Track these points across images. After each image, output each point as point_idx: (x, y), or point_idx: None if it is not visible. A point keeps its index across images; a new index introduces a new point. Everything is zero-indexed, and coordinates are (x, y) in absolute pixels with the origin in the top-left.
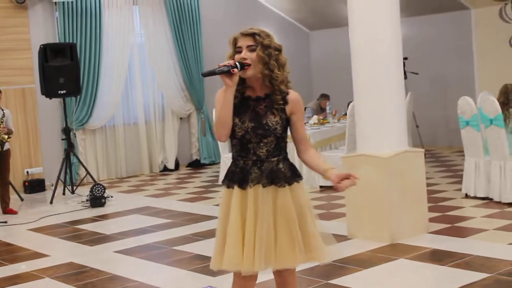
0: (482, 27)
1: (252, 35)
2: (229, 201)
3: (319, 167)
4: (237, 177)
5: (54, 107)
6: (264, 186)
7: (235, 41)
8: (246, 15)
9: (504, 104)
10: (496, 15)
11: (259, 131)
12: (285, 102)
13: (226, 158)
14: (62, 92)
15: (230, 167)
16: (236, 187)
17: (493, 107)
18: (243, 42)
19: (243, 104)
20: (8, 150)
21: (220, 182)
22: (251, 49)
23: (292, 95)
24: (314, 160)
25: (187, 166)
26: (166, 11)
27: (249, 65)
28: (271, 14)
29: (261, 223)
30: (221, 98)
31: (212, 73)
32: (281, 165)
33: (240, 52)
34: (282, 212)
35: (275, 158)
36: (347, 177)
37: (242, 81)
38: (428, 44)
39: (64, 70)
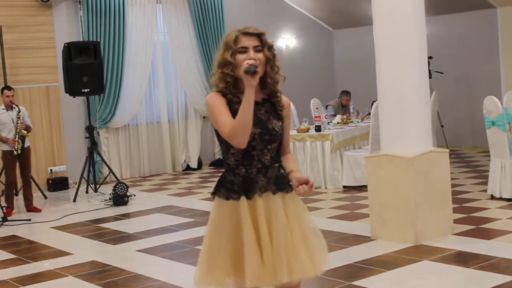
0: (509, 26)
1: (258, 35)
2: (230, 214)
3: (286, 168)
4: (240, 187)
5: (78, 105)
6: (274, 193)
7: (236, 39)
8: (270, 13)
9: None
10: None
11: (266, 137)
12: (282, 106)
13: None
14: (85, 90)
15: (226, 177)
16: (243, 198)
17: None
18: (249, 42)
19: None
20: (28, 148)
21: None
22: (257, 49)
23: (285, 99)
24: (286, 162)
25: (210, 165)
26: (190, 9)
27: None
28: (294, 13)
29: (276, 233)
30: (218, 103)
31: (250, 71)
32: (282, 171)
33: (243, 52)
34: (295, 218)
35: (277, 164)
36: (305, 182)
37: (235, 85)
38: (454, 43)
39: (87, 69)
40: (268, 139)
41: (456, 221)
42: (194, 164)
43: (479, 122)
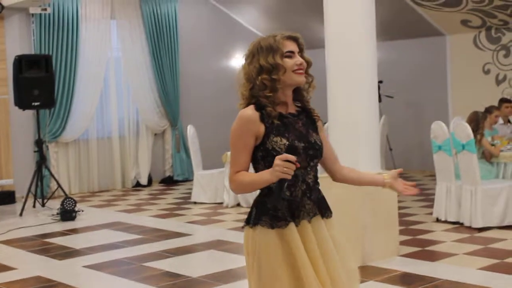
0: (457, 54)
1: (297, 39)
2: (277, 245)
3: (373, 178)
4: (285, 212)
5: (27, 118)
6: (322, 218)
7: (282, 43)
8: (224, 33)
9: (473, 130)
10: (471, 42)
11: (310, 151)
12: (317, 114)
13: (199, 176)
14: (36, 103)
15: (266, 202)
16: (292, 225)
17: (466, 132)
18: (293, 47)
19: (280, 121)
20: None
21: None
22: (300, 54)
23: (315, 110)
24: (359, 173)
25: (160, 182)
26: (144, 26)
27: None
28: (249, 34)
29: (330, 263)
30: (246, 131)
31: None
32: (322, 193)
33: (290, 57)
34: (337, 248)
35: (318, 185)
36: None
37: (268, 96)
38: (404, 68)
39: (38, 82)
40: (312, 154)
41: (402, 243)
42: (144, 181)
43: (427, 147)
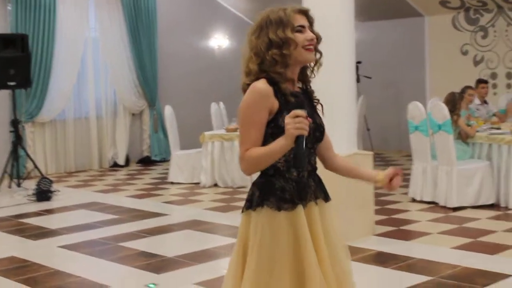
0: (435, 34)
1: (307, 12)
2: (283, 229)
3: (366, 173)
4: (293, 194)
5: (3, 98)
6: (326, 201)
7: (293, 17)
8: (203, 13)
9: (450, 111)
10: (449, 23)
11: (317, 132)
12: (316, 96)
13: (176, 156)
14: (11, 83)
15: (274, 182)
16: (300, 207)
17: (442, 113)
18: (303, 21)
19: (294, 99)
20: None
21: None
22: (310, 29)
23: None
24: (352, 166)
25: (137, 163)
26: (122, 6)
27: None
28: (227, 13)
29: (331, 248)
30: (260, 104)
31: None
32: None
33: (300, 31)
34: (334, 233)
35: (316, 169)
36: (394, 175)
37: (279, 72)
38: (382, 49)
39: (14, 62)
40: (318, 136)
41: (377, 222)
42: (121, 161)
43: (404, 127)
